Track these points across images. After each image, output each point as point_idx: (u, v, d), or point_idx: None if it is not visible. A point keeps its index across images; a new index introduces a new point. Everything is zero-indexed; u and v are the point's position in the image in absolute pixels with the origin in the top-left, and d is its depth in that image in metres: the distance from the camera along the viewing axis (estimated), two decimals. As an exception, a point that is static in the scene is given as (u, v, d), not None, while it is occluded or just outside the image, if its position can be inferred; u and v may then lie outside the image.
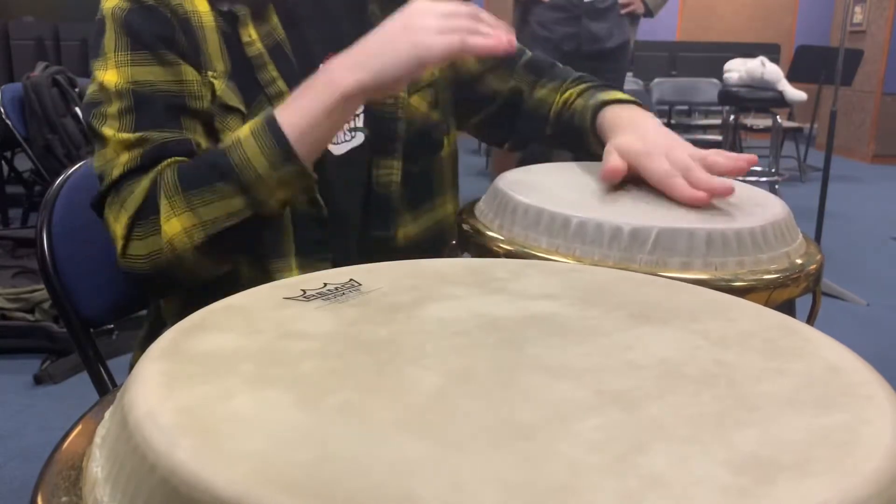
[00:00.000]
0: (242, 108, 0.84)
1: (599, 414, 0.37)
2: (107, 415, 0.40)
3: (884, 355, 2.63)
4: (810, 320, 0.77)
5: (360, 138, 0.92)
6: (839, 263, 3.64)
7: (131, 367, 0.63)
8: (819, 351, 0.45)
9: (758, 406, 0.38)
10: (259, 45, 0.85)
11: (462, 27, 0.77)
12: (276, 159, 0.76)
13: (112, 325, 2.37)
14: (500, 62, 1.02)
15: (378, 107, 0.92)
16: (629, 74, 6.04)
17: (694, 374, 0.41)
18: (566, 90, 1.01)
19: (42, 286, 2.26)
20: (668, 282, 0.58)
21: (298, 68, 0.86)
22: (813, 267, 0.72)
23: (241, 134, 0.78)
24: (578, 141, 0.96)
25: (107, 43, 0.83)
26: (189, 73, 0.83)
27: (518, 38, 0.83)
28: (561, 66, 1.06)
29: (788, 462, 0.33)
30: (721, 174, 0.76)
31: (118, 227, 0.79)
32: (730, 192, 0.73)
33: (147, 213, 0.78)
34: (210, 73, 0.83)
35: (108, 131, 0.81)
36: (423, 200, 0.96)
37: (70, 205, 1.00)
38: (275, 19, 0.87)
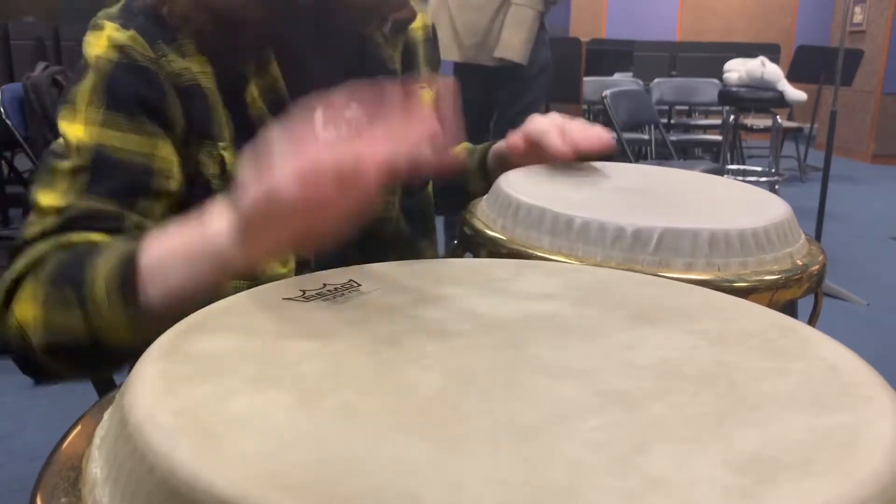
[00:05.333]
0: None
1: (600, 414, 0.37)
2: (106, 415, 0.40)
3: (884, 355, 2.62)
4: (812, 321, 0.77)
5: None
6: (839, 263, 3.64)
7: (130, 367, 0.63)
8: (819, 351, 0.45)
9: (758, 406, 0.38)
10: (260, 104, 0.80)
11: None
12: (114, 290, 0.62)
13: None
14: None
15: None
16: (629, 74, 6.03)
17: (694, 375, 0.41)
18: None
19: (42, 286, 2.25)
20: (667, 282, 0.58)
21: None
22: (815, 268, 0.72)
23: (109, 247, 0.65)
24: (457, 188, 1.01)
25: (80, 93, 0.75)
26: (166, 149, 0.76)
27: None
28: None
29: (789, 462, 0.33)
30: (578, 144, 0.89)
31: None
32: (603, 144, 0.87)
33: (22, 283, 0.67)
34: (221, 145, 0.78)
35: (44, 196, 0.71)
36: (418, 237, 0.95)
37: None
38: (275, 68, 0.81)
